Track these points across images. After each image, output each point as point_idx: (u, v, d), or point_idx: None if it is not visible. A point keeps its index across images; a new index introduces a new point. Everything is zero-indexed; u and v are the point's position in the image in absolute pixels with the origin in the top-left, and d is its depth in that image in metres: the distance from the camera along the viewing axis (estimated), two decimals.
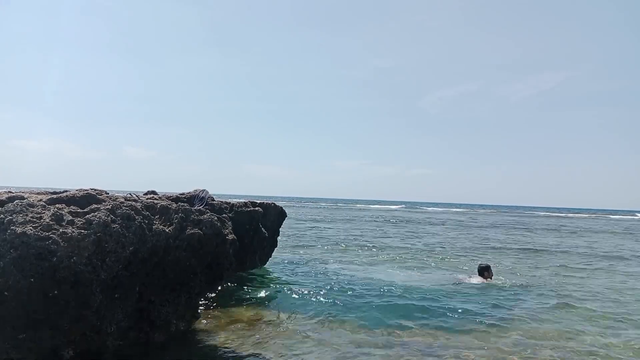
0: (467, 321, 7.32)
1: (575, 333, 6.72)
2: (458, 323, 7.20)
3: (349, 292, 9.20)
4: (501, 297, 9.08)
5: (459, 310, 7.94)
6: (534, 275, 11.98)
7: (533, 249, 18.88)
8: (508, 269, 12.99)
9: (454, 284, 10.53)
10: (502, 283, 10.62)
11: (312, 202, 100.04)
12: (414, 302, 8.45)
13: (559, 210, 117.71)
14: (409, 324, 7.10)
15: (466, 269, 12.77)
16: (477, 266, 11.38)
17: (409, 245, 18.92)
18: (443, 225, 35.11)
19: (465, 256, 16.08)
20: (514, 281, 10.93)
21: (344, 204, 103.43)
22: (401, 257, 15.25)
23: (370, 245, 18.60)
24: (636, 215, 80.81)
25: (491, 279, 10.76)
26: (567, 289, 10.27)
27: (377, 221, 37.21)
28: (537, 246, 20.14)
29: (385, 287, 9.71)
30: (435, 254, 16.49)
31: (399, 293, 9.21)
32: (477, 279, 10.76)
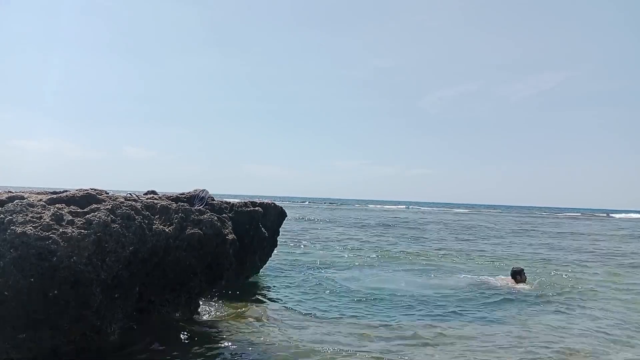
0: (489, 327, 6.98)
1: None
2: (477, 329, 6.86)
3: (351, 295, 9.21)
4: (537, 305, 8.55)
5: (485, 316, 7.65)
6: (560, 284, 10.84)
7: (550, 257, 16.78)
8: (533, 273, 11.85)
9: (480, 287, 9.96)
10: (530, 289, 9.94)
11: (313, 203, 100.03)
12: (431, 309, 8.12)
13: (560, 210, 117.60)
14: (425, 333, 6.68)
15: (488, 272, 12.07)
16: (494, 268, 10.86)
17: (419, 248, 18.41)
18: (451, 226, 34.64)
19: (480, 257, 15.56)
20: (544, 289, 10.06)
21: (345, 204, 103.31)
22: (411, 259, 14.80)
23: (375, 246, 18.55)
24: (634, 215, 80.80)
25: (524, 282, 10.25)
26: (596, 300, 9.34)
27: (381, 221, 37.18)
28: (554, 250, 18.83)
29: (393, 291, 9.57)
30: (451, 255, 15.98)
31: (410, 298, 8.90)
32: (508, 282, 10.25)
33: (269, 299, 8.58)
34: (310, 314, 7.60)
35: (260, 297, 8.59)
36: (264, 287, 9.70)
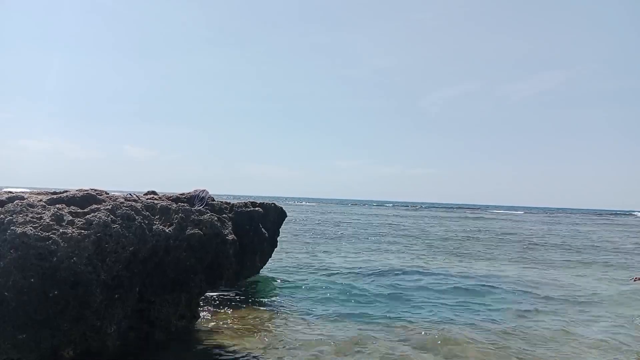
0: None
1: None
2: None
3: (346, 295, 9.21)
4: None
5: None
6: None
7: None
8: None
9: None
10: None
11: (315, 203, 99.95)
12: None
13: (565, 210, 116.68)
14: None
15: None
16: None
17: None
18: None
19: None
20: None
21: (351, 204, 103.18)
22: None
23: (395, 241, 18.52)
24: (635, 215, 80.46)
25: None
26: None
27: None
28: None
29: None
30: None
31: None
32: None
33: (267, 299, 8.57)
34: (307, 312, 7.60)
35: (260, 298, 8.58)
36: (265, 287, 9.69)
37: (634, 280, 7.87)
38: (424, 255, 16.12)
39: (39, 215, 4.62)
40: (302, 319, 7.23)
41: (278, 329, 6.61)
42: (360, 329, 6.76)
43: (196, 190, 7.36)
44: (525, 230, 31.72)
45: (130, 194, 6.32)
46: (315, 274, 11.29)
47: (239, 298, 8.32)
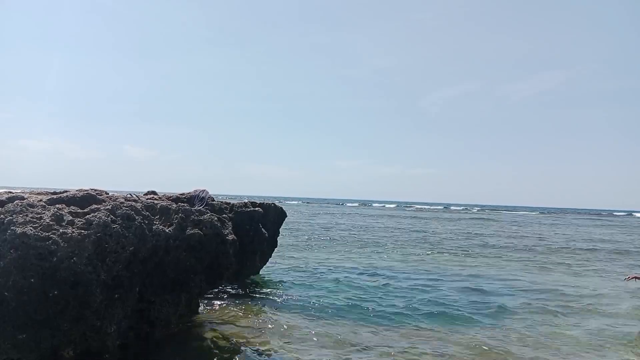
0: None
1: None
2: None
3: (346, 295, 9.21)
4: None
5: None
6: None
7: None
8: None
9: None
10: None
11: (314, 203, 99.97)
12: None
13: (565, 210, 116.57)
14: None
15: None
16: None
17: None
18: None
19: None
20: None
21: (351, 204, 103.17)
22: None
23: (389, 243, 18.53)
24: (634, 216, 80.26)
25: None
26: None
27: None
28: None
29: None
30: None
31: None
32: None
33: (267, 299, 8.58)
34: (307, 312, 7.60)
35: (260, 298, 8.59)
36: (264, 287, 9.70)
37: (628, 279, 7.92)
38: (425, 256, 16.13)
39: (39, 215, 4.62)
40: (302, 318, 7.23)
41: (278, 329, 6.62)
42: (360, 329, 6.77)
43: (196, 190, 7.37)
44: (525, 231, 31.77)
45: (130, 194, 6.32)
46: (316, 274, 11.30)
47: (239, 298, 8.32)
